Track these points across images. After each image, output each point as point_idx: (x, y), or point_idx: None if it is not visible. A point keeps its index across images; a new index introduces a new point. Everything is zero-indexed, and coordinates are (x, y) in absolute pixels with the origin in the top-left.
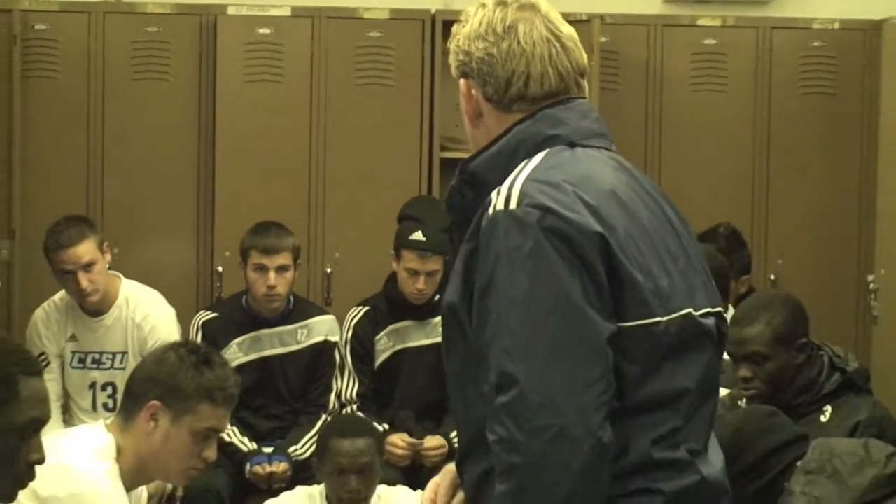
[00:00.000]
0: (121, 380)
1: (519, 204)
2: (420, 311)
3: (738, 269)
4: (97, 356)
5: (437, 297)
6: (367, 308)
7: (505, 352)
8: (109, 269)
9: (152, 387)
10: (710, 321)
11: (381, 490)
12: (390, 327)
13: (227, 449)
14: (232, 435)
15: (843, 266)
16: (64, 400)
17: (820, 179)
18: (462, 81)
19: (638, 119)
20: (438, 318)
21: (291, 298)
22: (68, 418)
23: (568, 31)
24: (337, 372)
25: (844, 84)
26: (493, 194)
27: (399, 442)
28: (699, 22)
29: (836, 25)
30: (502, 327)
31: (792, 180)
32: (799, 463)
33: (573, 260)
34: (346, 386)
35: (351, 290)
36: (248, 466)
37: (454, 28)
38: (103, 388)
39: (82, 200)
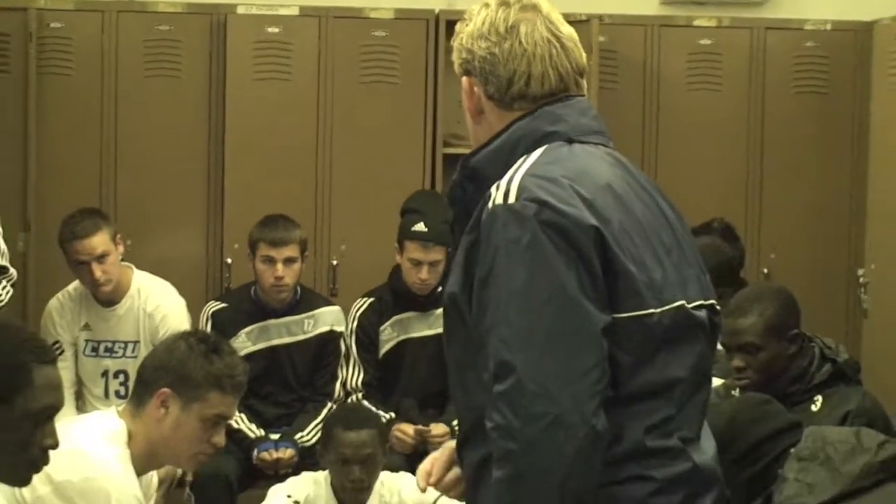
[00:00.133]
0: (132, 368)
1: (517, 198)
2: (423, 303)
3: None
4: (110, 345)
5: (440, 288)
6: (372, 299)
7: (503, 341)
8: (122, 260)
9: (163, 375)
10: (703, 313)
11: (384, 476)
12: (394, 318)
13: (235, 435)
14: (240, 422)
15: (835, 260)
16: (77, 387)
17: (812, 176)
18: (464, 79)
19: (635, 117)
20: (441, 310)
21: (298, 289)
22: (81, 405)
23: (568, 31)
24: (342, 361)
25: (836, 83)
26: (493, 188)
27: (408, 430)
28: (695, 22)
29: (829, 26)
30: (501, 317)
31: (785, 177)
32: (792, 450)
33: (569, 252)
34: (351, 375)
35: (356, 282)
36: (255, 452)
37: (458, 26)
38: (115, 375)
39: (95, 194)
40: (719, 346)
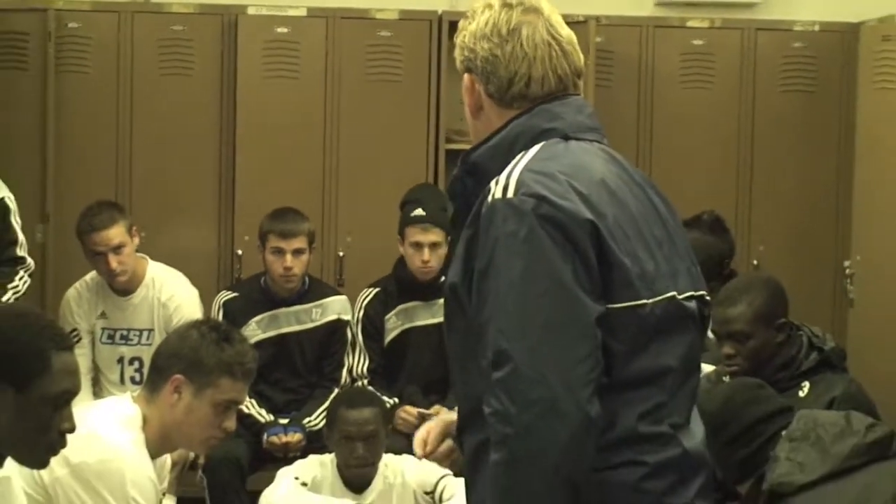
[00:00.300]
0: (147, 355)
1: (516, 193)
2: (427, 292)
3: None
4: (125, 332)
5: (443, 278)
6: (377, 289)
7: (501, 330)
8: (137, 251)
9: (176, 362)
10: (693, 304)
11: (388, 458)
12: (399, 307)
13: (245, 420)
14: (250, 407)
15: (821, 252)
16: (94, 373)
17: (800, 171)
18: (466, 76)
19: (631, 114)
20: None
21: (307, 279)
22: (98, 391)
23: (567, 34)
24: (349, 349)
25: (823, 82)
26: (493, 183)
27: (412, 411)
28: (688, 23)
29: (817, 28)
30: (499, 307)
31: (773, 171)
32: (784, 432)
33: (565, 245)
34: (357, 362)
35: (362, 272)
36: (265, 436)
37: (461, 23)
38: (131, 362)
39: (112, 187)
40: (711, 335)
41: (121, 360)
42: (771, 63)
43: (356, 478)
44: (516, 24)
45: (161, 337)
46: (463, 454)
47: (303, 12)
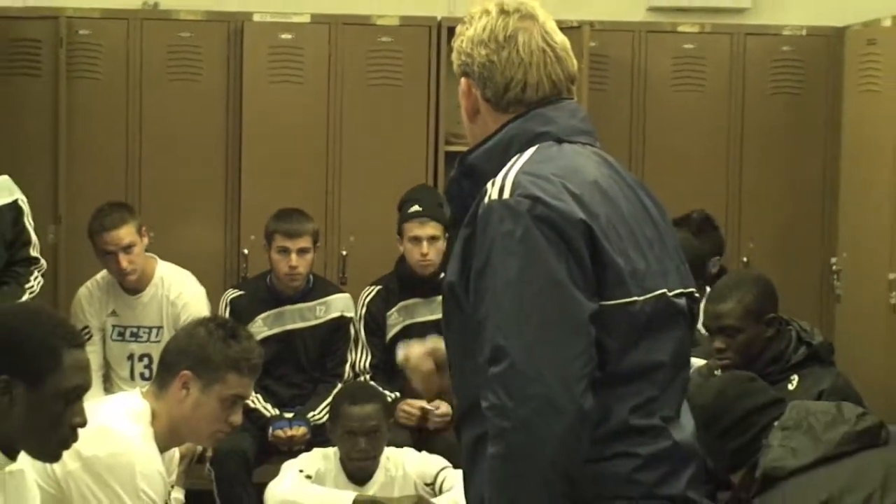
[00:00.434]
0: (156, 352)
1: (511, 194)
2: (427, 289)
3: (711, 251)
4: (135, 330)
5: (442, 275)
6: (379, 287)
7: (498, 327)
8: (146, 251)
9: (184, 358)
10: (683, 301)
11: (390, 451)
12: (400, 304)
13: (251, 414)
14: (256, 401)
15: (809, 249)
16: (105, 370)
17: (788, 171)
18: (463, 80)
19: (624, 116)
20: None
21: (311, 278)
22: (108, 386)
23: (561, 39)
24: (351, 345)
25: (810, 85)
26: (489, 185)
27: (414, 404)
28: (680, 28)
29: (804, 32)
30: (496, 305)
31: (762, 171)
32: (776, 422)
33: (560, 245)
34: (359, 358)
35: (364, 271)
36: (270, 430)
37: (458, 28)
38: (140, 359)
39: (121, 189)
40: (703, 331)
41: (131, 357)
42: (760, 67)
43: (358, 470)
44: (513, 31)
45: (170, 334)
46: (461, 447)
47: (306, 19)
